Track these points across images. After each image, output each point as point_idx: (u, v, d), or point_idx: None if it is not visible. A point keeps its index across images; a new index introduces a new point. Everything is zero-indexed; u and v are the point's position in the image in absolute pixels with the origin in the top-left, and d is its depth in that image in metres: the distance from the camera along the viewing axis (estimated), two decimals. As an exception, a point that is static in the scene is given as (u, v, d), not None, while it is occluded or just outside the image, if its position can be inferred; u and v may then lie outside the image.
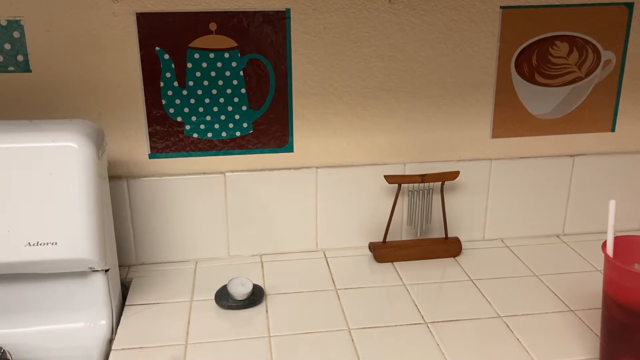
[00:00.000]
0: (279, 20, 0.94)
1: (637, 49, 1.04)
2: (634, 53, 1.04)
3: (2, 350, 0.74)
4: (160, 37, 0.92)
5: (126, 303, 0.90)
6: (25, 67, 0.90)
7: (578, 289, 0.92)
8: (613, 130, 1.07)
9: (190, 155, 0.99)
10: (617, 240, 0.68)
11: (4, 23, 0.88)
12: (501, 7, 0.98)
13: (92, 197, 0.77)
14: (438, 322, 0.84)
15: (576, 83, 1.04)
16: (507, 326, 0.83)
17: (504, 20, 0.98)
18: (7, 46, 0.89)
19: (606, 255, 0.67)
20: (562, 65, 1.03)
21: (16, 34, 0.88)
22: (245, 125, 0.98)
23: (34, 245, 0.76)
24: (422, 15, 0.96)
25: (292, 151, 1.01)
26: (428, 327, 0.83)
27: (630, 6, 1.01)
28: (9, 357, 0.76)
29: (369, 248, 1.04)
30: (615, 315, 0.66)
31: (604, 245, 0.68)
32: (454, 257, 1.03)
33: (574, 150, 1.07)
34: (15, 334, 0.81)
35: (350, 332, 0.82)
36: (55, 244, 0.76)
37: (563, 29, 1.01)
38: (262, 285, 0.93)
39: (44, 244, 0.76)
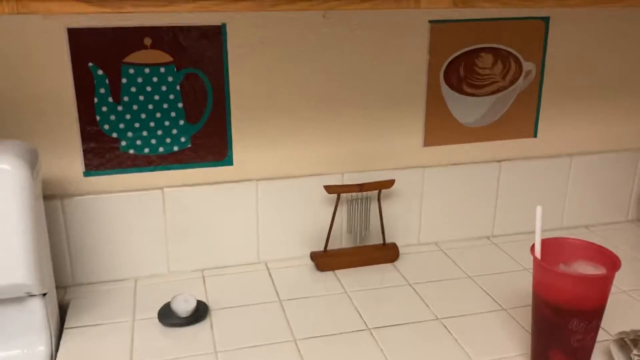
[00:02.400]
0: (215, 35, 0.94)
1: (555, 60, 1.11)
2: (551, 64, 1.11)
3: None
4: (93, 52, 0.90)
5: (65, 326, 0.87)
6: (-53, 85, 0.86)
7: (508, 288, 0.98)
8: (535, 136, 1.14)
9: (127, 172, 0.97)
10: (544, 242, 0.73)
11: None
12: (430, 22, 1.02)
13: (28, 220, 0.75)
14: (380, 327, 0.87)
15: (500, 92, 1.10)
16: (445, 327, 0.87)
17: (433, 34, 1.03)
18: None
19: (535, 258, 0.71)
20: (487, 75, 1.08)
21: (-63, 51, 0.85)
22: (183, 139, 0.98)
23: (-35, 272, 0.73)
24: (355, 29, 0.99)
25: (232, 164, 1.01)
26: (371, 333, 0.85)
27: (546, 20, 1.08)
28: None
29: (311, 257, 1.06)
30: (544, 313, 0.71)
31: (533, 248, 0.72)
32: (392, 262, 1.06)
33: (500, 155, 1.13)
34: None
35: (296, 342, 0.83)
36: (-11, 270, 0.73)
37: (487, 42, 1.06)
38: (205, 301, 0.93)
39: (-23, 270, 0.73)
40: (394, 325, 0.87)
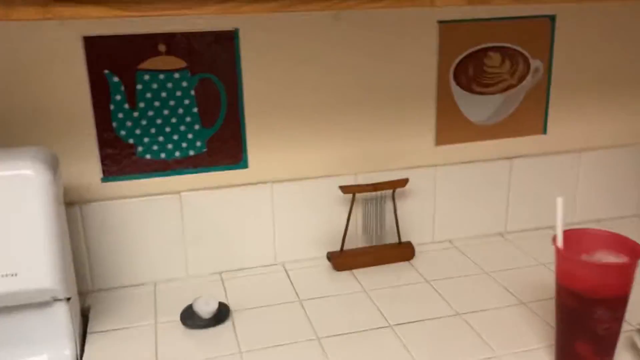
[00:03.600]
0: (228, 40, 0.95)
1: (562, 57, 1.12)
2: (559, 60, 1.12)
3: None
4: (109, 59, 0.91)
5: (88, 330, 0.88)
6: (-34, 95, 0.87)
7: (525, 282, 0.98)
8: (545, 132, 1.16)
9: (144, 177, 0.98)
10: (565, 234, 0.73)
11: (-58, 50, 0.84)
12: (438, 22, 1.03)
13: (52, 224, 0.75)
14: (402, 323, 0.87)
15: (509, 90, 1.11)
16: (467, 322, 0.87)
17: (442, 34, 1.04)
18: (-53, 74, 0.86)
19: (557, 249, 0.72)
20: (496, 74, 1.09)
21: (-44, 61, 0.85)
22: (198, 144, 0.99)
23: (-7, 278, 0.73)
24: (366, 31, 1.01)
25: (247, 167, 1.02)
26: (393, 330, 0.86)
27: (552, 18, 1.10)
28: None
29: (327, 258, 1.07)
30: (569, 304, 0.71)
31: (554, 239, 0.73)
32: (408, 260, 1.07)
33: (511, 152, 1.14)
34: (-26, 373, 0.78)
35: (319, 340, 0.84)
36: (15, 275, 0.74)
37: (495, 41, 1.08)
38: (226, 303, 0.93)
39: (4, 275, 0.73)
40: (415, 322, 0.88)
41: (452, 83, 1.08)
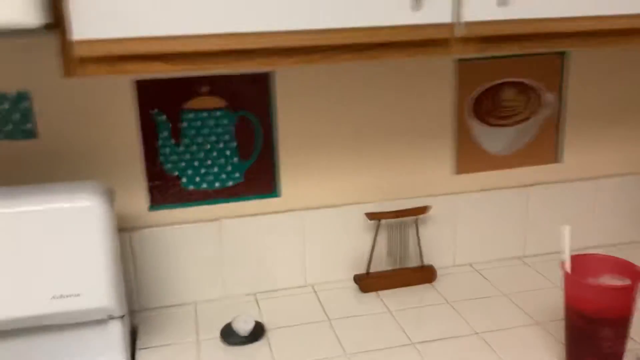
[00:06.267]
0: (264, 81, 1.05)
1: (574, 89, 1.19)
2: (571, 93, 1.19)
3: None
4: (157, 100, 1.01)
5: (137, 347, 0.96)
6: (31, 134, 0.98)
7: (541, 304, 1.05)
8: (560, 161, 1.22)
9: (187, 206, 1.07)
10: (573, 258, 0.80)
11: (13, 95, 0.95)
12: (456, 61, 1.12)
13: (110, 250, 0.85)
14: (424, 341, 0.94)
15: (524, 122, 1.18)
16: (485, 341, 0.94)
17: (459, 71, 1.12)
18: (16, 116, 0.96)
19: (565, 273, 0.79)
20: (511, 107, 1.17)
21: (25, 104, 0.96)
22: (236, 175, 1.08)
23: (58, 297, 0.83)
24: (389, 69, 1.09)
25: (279, 196, 1.11)
26: (416, 347, 0.93)
27: (563, 54, 1.17)
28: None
29: (354, 280, 1.14)
30: (577, 324, 0.78)
31: (563, 264, 0.80)
32: (430, 282, 1.14)
33: (528, 180, 1.21)
34: (38, 384, 0.87)
35: (347, 357, 0.91)
36: (79, 295, 0.83)
37: (510, 76, 1.15)
38: (261, 321, 1.02)
39: (68, 295, 0.83)
40: (436, 340, 0.95)
41: (470, 116, 1.15)
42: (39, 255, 0.82)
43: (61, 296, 0.83)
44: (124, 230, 1.04)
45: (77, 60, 0.66)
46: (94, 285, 0.84)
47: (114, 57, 0.66)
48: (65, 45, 0.65)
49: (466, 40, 0.75)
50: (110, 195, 0.88)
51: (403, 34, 0.71)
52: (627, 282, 0.79)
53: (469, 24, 0.73)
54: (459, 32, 0.73)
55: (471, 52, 0.75)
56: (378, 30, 0.70)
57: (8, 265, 0.82)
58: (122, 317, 0.89)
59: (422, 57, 0.78)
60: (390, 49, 0.73)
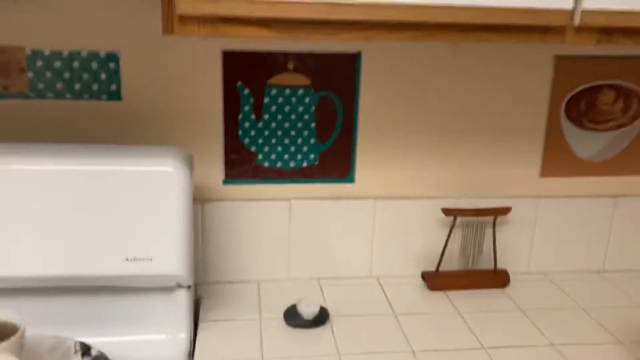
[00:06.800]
0: (351, 62, 1.02)
1: (679, 100, 1.11)
2: (675, 103, 1.11)
3: (104, 357, 0.81)
4: (242, 73, 1.00)
5: (200, 319, 0.96)
6: (116, 96, 0.98)
7: (623, 322, 0.98)
8: (654, 174, 1.14)
9: (260, 183, 1.06)
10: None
11: (102, 55, 0.96)
12: (555, 57, 1.05)
13: (185, 218, 0.84)
14: (496, 347, 0.90)
15: (621, 129, 1.11)
16: (561, 354, 0.88)
17: (557, 68, 1.06)
18: (103, 76, 0.97)
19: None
20: (608, 111, 1.10)
21: (112, 65, 0.96)
22: (312, 156, 1.06)
23: (131, 260, 0.82)
24: (481, 61, 1.04)
25: (353, 182, 1.08)
26: (487, 352, 0.89)
27: (672, 59, 1.09)
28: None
29: (422, 277, 1.10)
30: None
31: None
32: (502, 287, 1.09)
33: (617, 191, 1.14)
34: (103, 343, 0.87)
35: (414, 353, 0.88)
36: (151, 260, 0.83)
37: (610, 78, 1.08)
38: (325, 307, 0.99)
39: (141, 259, 0.83)
40: (509, 347, 0.90)
41: (563, 116, 1.09)
42: (116, 217, 0.82)
43: (134, 259, 0.83)
44: (196, 200, 1.03)
45: (178, 18, 0.65)
46: (167, 252, 0.83)
47: (216, 17, 0.64)
48: (168, 2, 0.64)
49: (584, 30, 0.69)
50: (189, 163, 0.87)
51: (518, 17, 0.66)
52: None
53: (589, 13, 0.68)
54: (577, 20, 0.68)
55: (587, 42, 0.69)
56: (493, 10, 0.65)
57: (86, 224, 0.82)
58: (188, 287, 0.89)
59: (534, 43, 0.73)
60: (501, 32, 0.68)
